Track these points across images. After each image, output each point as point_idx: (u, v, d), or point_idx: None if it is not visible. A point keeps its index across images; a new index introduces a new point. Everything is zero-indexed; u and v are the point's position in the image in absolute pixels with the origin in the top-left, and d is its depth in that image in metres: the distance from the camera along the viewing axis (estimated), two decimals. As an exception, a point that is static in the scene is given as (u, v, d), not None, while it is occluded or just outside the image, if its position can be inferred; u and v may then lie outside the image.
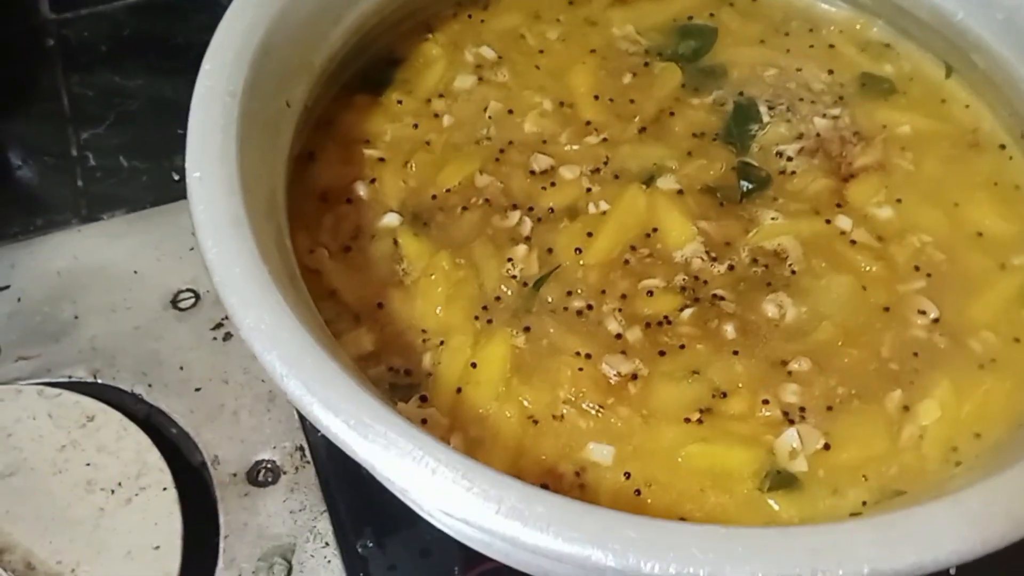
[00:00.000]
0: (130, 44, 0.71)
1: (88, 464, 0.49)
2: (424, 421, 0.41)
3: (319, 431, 0.34)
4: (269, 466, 0.50)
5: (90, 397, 0.51)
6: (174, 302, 0.56)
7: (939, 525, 0.31)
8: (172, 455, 0.49)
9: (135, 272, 0.57)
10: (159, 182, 0.63)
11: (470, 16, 0.56)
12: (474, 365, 0.43)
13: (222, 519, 0.48)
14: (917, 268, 0.47)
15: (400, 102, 0.52)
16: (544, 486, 0.40)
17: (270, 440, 0.51)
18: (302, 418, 0.51)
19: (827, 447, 0.41)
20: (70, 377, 0.53)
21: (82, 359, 0.53)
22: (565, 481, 0.40)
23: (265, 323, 0.34)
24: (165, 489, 0.48)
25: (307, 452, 0.51)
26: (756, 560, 0.29)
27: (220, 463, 0.50)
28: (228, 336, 0.55)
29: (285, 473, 0.50)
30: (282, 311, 0.35)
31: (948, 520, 0.31)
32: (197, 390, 0.52)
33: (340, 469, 0.50)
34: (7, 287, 0.56)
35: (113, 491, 0.48)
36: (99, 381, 0.53)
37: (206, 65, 0.42)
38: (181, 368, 0.53)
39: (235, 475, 0.50)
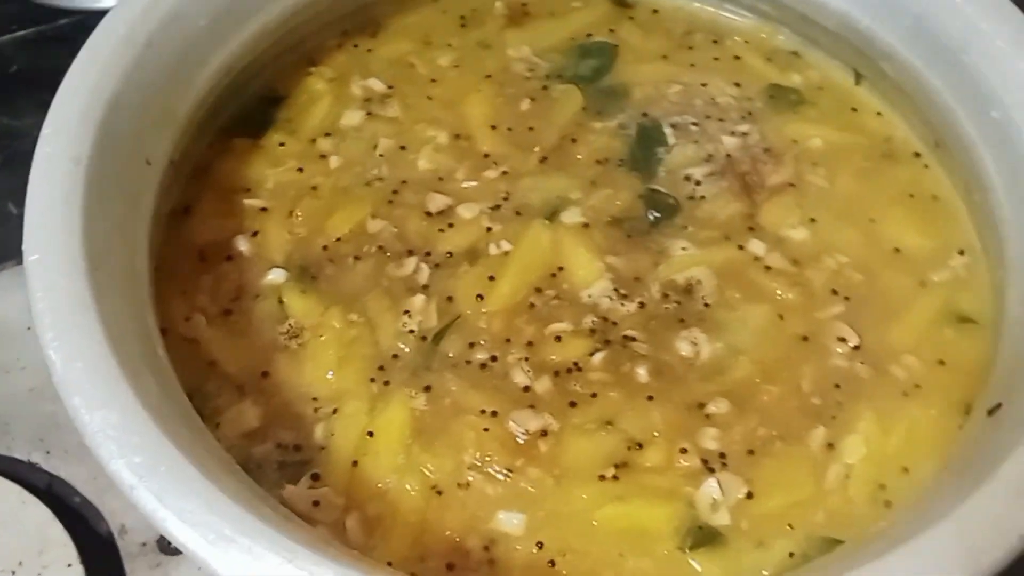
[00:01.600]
0: (19, 81, 0.67)
1: None
2: (316, 503, 0.39)
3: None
4: None
5: None
6: None
7: None
8: (76, 527, 0.47)
9: (28, 328, 0.53)
10: None
11: (356, 46, 0.54)
12: (371, 434, 0.41)
13: (133, 593, 0.45)
14: (835, 292, 0.45)
15: (283, 144, 0.50)
16: (450, 566, 0.38)
17: None
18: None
19: (750, 495, 0.39)
20: None
21: None
22: (472, 558, 0.38)
23: (112, 425, 0.31)
24: (70, 566, 0.46)
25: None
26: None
27: (128, 532, 0.47)
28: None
29: None
30: (132, 409, 0.32)
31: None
32: None
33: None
34: None
35: (14, 572, 0.46)
36: None
37: (46, 129, 0.39)
38: None
39: (144, 544, 0.47)
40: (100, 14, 0.68)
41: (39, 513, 0.47)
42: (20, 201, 0.60)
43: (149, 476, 0.30)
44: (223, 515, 0.29)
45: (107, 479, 0.46)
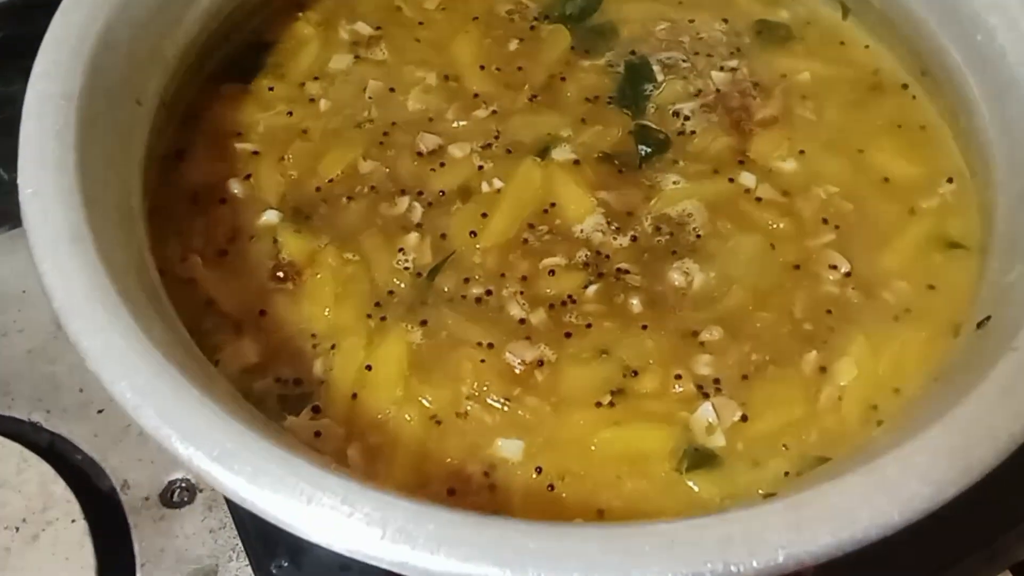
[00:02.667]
0: (5, 47, 0.64)
1: None
2: (318, 434, 0.39)
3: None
4: (183, 485, 0.48)
5: None
6: None
7: (854, 499, 0.29)
8: (79, 484, 0.48)
9: (24, 292, 0.54)
10: None
11: None
12: (369, 368, 0.41)
13: (137, 547, 0.46)
14: (825, 221, 0.46)
15: (272, 89, 0.50)
16: (451, 491, 0.38)
17: None
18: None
19: (744, 418, 0.40)
20: None
21: None
22: (473, 482, 0.38)
23: (114, 349, 0.31)
24: (74, 521, 0.46)
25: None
26: (664, 558, 0.27)
27: (130, 487, 0.48)
28: (126, 352, 0.52)
29: (201, 491, 0.48)
30: (132, 334, 0.32)
31: (863, 493, 0.29)
32: (100, 412, 0.50)
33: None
34: None
35: (18, 528, 0.46)
36: None
37: (37, 67, 0.38)
38: (81, 390, 0.51)
39: (147, 499, 0.48)
40: None
41: (41, 471, 0.47)
42: (12, 166, 0.60)
43: (152, 395, 0.31)
44: (226, 431, 0.30)
45: (108, 436, 0.49)
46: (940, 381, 0.38)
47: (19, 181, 0.35)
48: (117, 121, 0.40)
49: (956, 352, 0.39)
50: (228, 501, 0.47)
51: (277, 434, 0.33)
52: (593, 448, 0.39)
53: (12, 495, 0.46)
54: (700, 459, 0.39)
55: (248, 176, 0.46)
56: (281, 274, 0.43)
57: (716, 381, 0.41)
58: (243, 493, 0.28)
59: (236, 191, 0.46)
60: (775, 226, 0.45)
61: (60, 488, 0.47)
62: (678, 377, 0.41)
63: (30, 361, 0.52)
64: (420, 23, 0.52)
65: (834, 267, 0.44)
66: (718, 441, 0.39)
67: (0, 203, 0.56)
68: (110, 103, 0.40)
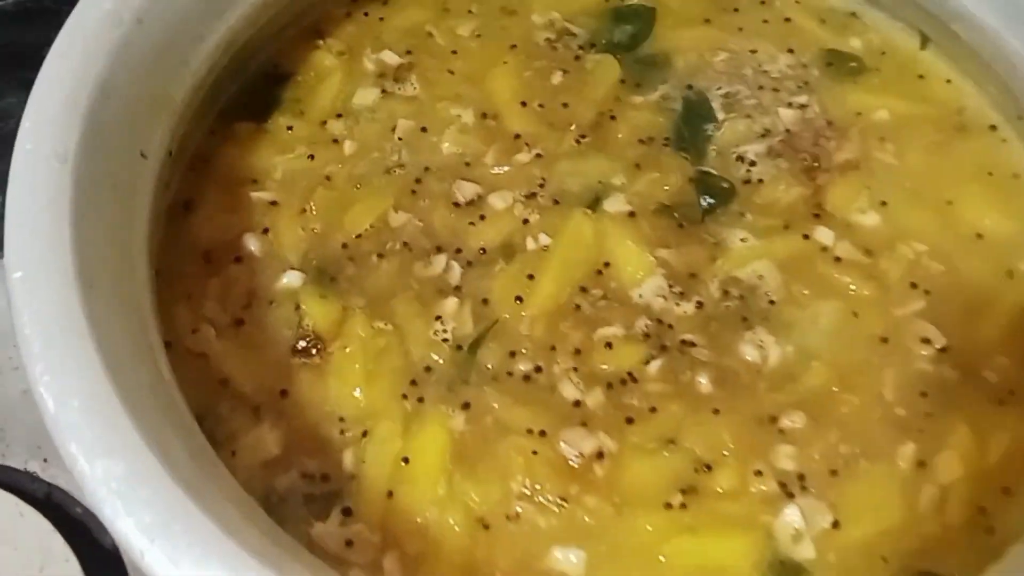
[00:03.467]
0: (0, 56, 0.63)
1: None
2: (350, 543, 0.35)
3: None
4: None
5: None
6: None
7: None
8: (79, 539, 0.46)
9: None
10: None
11: (367, 14, 0.50)
12: (406, 460, 0.38)
13: (140, 608, 0.45)
14: (914, 285, 0.43)
15: (290, 128, 0.46)
16: None
17: None
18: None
19: (836, 524, 0.36)
20: None
21: None
22: (530, 602, 0.34)
23: (116, 477, 0.27)
24: None
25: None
26: None
27: None
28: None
29: None
30: (138, 456, 0.28)
31: None
32: None
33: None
34: None
35: None
36: None
37: (25, 122, 0.35)
38: None
39: None
40: None
41: (38, 525, 0.46)
42: (3, 187, 0.59)
43: (162, 537, 0.27)
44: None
45: None
46: None
47: (5, 262, 0.31)
48: (118, 180, 0.36)
49: None
50: None
51: (304, 561, 0.29)
52: (663, 559, 0.36)
53: (7, 551, 0.45)
54: (787, 573, 0.35)
55: (266, 230, 0.43)
56: (304, 347, 0.40)
57: (801, 478, 0.37)
58: None
59: (253, 248, 0.42)
60: (858, 291, 0.42)
61: (58, 544, 0.45)
62: (758, 473, 0.37)
63: (27, 403, 0.50)
64: (453, 52, 0.49)
65: (927, 340, 0.41)
66: (807, 552, 0.36)
67: None
68: (110, 160, 0.36)
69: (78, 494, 0.47)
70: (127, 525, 0.27)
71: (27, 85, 0.64)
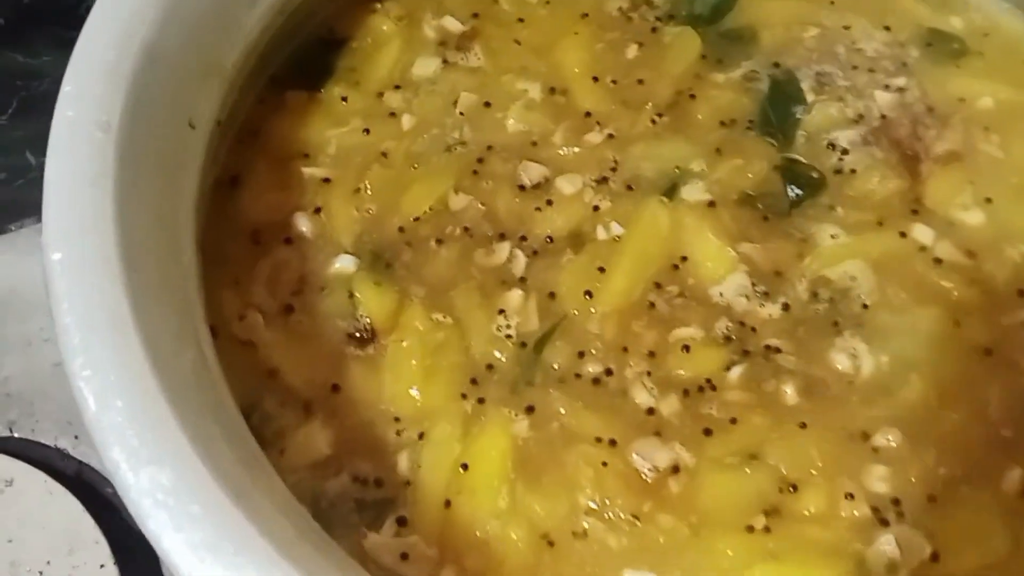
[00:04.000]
0: (33, 14, 0.64)
1: (10, 541, 0.45)
2: (405, 556, 0.34)
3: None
4: None
5: (7, 455, 0.48)
6: None
7: None
8: (108, 521, 0.46)
9: None
10: None
11: None
12: (465, 467, 0.36)
13: (173, 595, 0.45)
14: (1022, 292, 0.40)
15: (345, 99, 0.45)
16: None
17: None
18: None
19: (935, 557, 0.35)
20: None
21: None
22: (596, 627, 0.33)
23: (163, 488, 0.26)
24: (103, 566, 0.45)
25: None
26: None
27: None
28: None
29: None
30: (187, 463, 0.26)
31: None
32: None
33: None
34: None
35: (41, 572, 0.45)
36: (16, 435, 0.49)
37: (66, 86, 0.33)
38: None
39: None
40: None
41: (68, 505, 0.46)
42: (39, 149, 0.57)
43: (213, 557, 0.25)
44: None
45: None
46: None
47: (44, 241, 0.30)
48: (164, 153, 0.35)
49: None
50: None
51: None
52: None
53: (35, 533, 0.45)
54: None
55: (318, 210, 0.41)
56: (358, 338, 0.38)
57: (896, 503, 0.36)
58: None
59: (304, 229, 0.41)
60: (960, 296, 0.41)
61: (88, 526, 0.45)
62: (849, 496, 0.36)
63: (58, 377, 0.47)
64: (520, 20, 0.47)
65: None
66: None
67: (25, 193, 0.57)
68: (156, 130, 0.34)
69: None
70: (175, 542, 0.25)
71: (62, 43, 0.63)
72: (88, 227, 0.30)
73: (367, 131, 0.44)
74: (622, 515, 0.35)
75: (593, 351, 0.38)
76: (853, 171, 0.43)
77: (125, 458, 0.26)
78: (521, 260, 0.41)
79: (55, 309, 0.29)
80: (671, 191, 0.42)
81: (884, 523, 0.35)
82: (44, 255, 0.29)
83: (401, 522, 0.35)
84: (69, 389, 0.46)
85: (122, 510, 0.45)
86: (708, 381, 0.38)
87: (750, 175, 0.43)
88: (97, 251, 0.30)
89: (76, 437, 0.49)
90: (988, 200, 0.42)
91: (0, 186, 0.58)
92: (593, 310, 0.39)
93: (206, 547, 0.25)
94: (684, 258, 0.41)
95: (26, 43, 0.63)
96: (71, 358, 0.28)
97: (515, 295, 0.39)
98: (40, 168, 0.57)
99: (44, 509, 0.46)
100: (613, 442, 0.36)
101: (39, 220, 0.51)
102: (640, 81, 0.46)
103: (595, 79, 0.46)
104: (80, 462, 0.48)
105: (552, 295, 0.39)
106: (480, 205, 0.42)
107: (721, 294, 0.40)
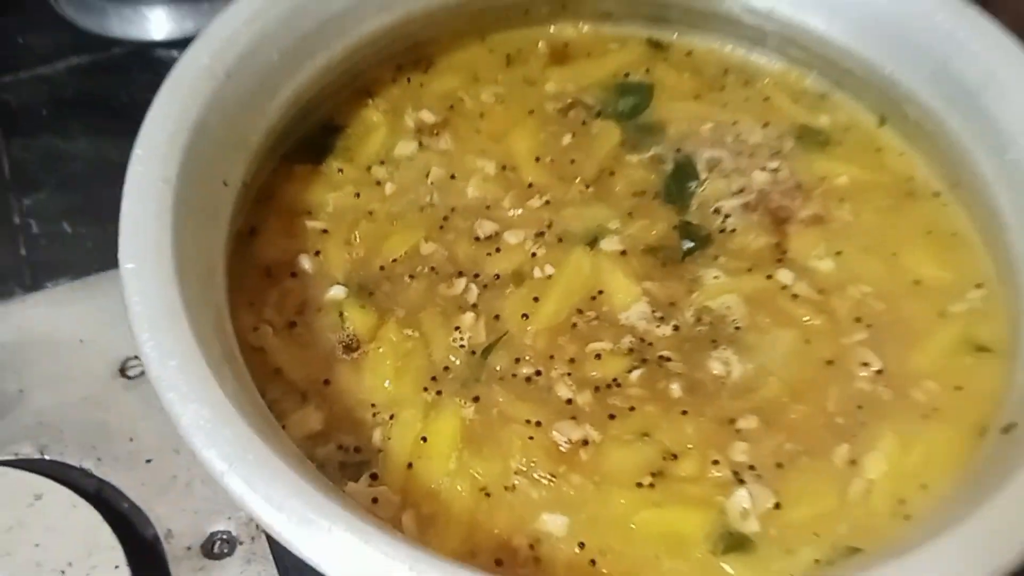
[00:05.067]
0: (72, 106, 0.71)
1: (36, 545, 0.48)
2: (375, 500, 0.41)
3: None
4: (224, 537, 0.49)
5: (37, 474, 0.50)
6: (122, 370, 0.55)
7: None
8: (124, 530, 0.49)
9: (81, 341, 0.56)
10: (104, 247, 0.61)
11: (409, 80, 0.56)
12: (424, 439, 0.43)
13: (177, 595, 0.47)
14: (858, 319, 0.47)
15: (341, 171, 0.52)
16: (498, 562, 0.40)
17: (224, 510, 0.50)
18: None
19: (778, 506, 0.41)
20: (15, 454, 0.52)
21: (28, 434, 0.53)
22: (520, 555, 0.40)
23: (204, 418, 0.34)
24: (117, 567, 0.47)
25: (262, 522, 0.50)
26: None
27: (174, 536, 0.49)
28: (178, 406, 0.55)
29: (241, 544, 0.50)
30: (221, 404, 0.35)
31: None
32: (148, 461, 0.52)
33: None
34: (-56, 363, 0.54)
35: (63, 572, 0.47)
36: (46, 457, 0.52)
37: (138, 150, 0.41)
38: (131, 439, 0.53)
39: (189, 548, 0.49)
40: (149, 44, 0.73)
41: (89, 517, 0.49)
42: (74, 220, 0.65)
43: (238, 464, 0.33)
44: (305, 500, 0.32)
45: (155, 486, 0.50)
46: (967, 481, 0.40)
47: (120, 256, 0.39)
48: (206, 202, 0.43)
49: (982, 453, 0.41)
50: (274, 556, 0.49)
51: (342, 499, 0.36)
52: (633, 527, 0.40)
53: (59, 539, 0.48)
54: (735, 543, 0.40)
55: (317, 253, 0.48)
56: (345, 346, 0.46)
57: (752, 468, 0.42)
58: (319, 559, 0.31)
59: (306, 266, 0.48)
60: (811, 322, 0.46)
61: (106, 534, 0.48)
62: (715, 463, 0.42)
63: (84, 408, 0.53)
64: (480, 114, 0.54)
65: (866, 364, 0.45)
66: (752, 526, 0.41)
67: (61, 255, 0.62)
68: (201, 185, 0.43)
69: (126, 490, 0.51)
70: (211, 454, 0.33)
71: (95, 130, 0.70)
72: (152, 247, 0.39)
73: (358, 195, 0.50)
74: (542, 475, 0.41)
75: (527, 358, 0.45)
76: (734, 230, 0.50)
77: (177, 399, 0.35)
78: (474, 292, 0.47)
79: (128, 301, 0.37)
80: (593, 243, 0.49)
81: (741, 482, 0.41)
82: (120, 265, 0.38)
83: (373, 477, 0.41)
84: (93, 419, 0.52)
85: (135, 522, 0.50)
86: (614, 380, 0.44)
87: (654, 232, 0.49)
88: (157, 264, 0.38)
89: (99, 459, 0.52)
90: (838, 253, 0.49)
91: (40, 249, 0.62)
92: (528, 328, 0.45)
93: (233, 457, 0.33)
94: (600, 292, 0.47)
95: (64, 130, 0.68)
96: (139, 333, 0.36)
97: (468, 316, 0.46)
98: (75, 236, 0.64)
99: (68, 519, 0.48)
100: (538, 423, 0.42)
101: (72, 278, 0.60)
102: (572, 161, 0.52)
103: (537, 159, 0.52)
104: (101, 480, 0.51)
105: (497, 317, 0.46)
106: (444, 251, 0.48)
107: (627, 318, 0.46)
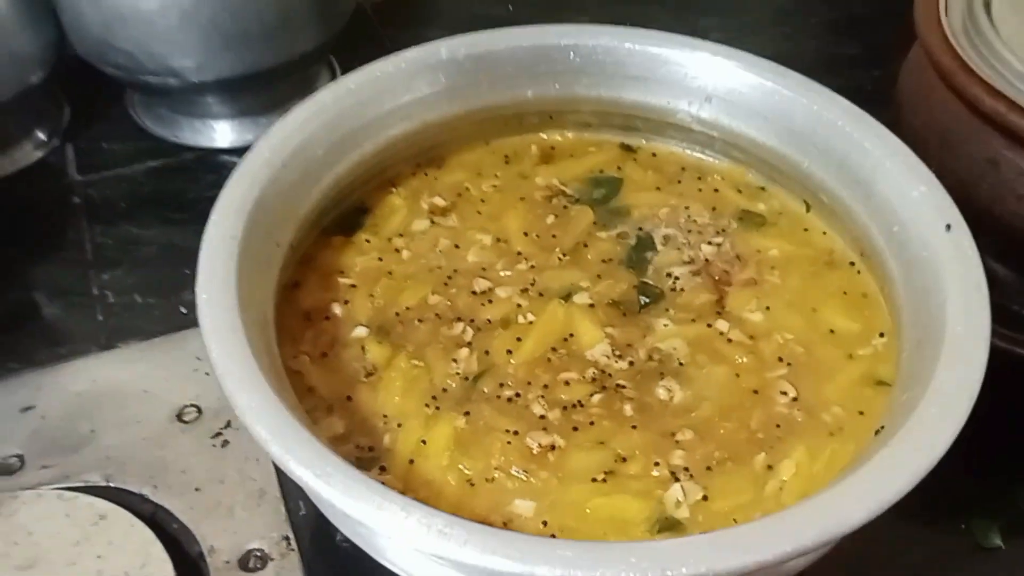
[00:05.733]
0: (146, 200, 0.78)
1: (99, 556, 0.52)
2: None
3: (302, 523, 0.42)
4: (259, 554, 0.55)
5: (102, 499, 0.55)
6: (179, 416, 0.62)
7: (765, 533, 0.40)
8: (173, 547, 0.53)
9: (145, 391, 0.63)
10: (168, 315, 0.70)
11: (426, 174, 0.64)
12: (424, 442, 0.49)
13: (217, 602, 0.51)
14: (781, 359, 0.53)
15: (368, 241, 0.59)
16: None
17: (259, 531, 0.56)
18: (288, 511, 0.57)
19: (705, 498, 0.47)
20: (86, 482, 0.57)
21: (97, 466, 0.58)
22: (495, 529, 0.48)
23: (255, 403, 0.42)
24: None
25: (292, 540, 0.56)
26: (650, 560, 0.38)
27: (215, 552, 0.54)
28: (225, 443, 0.61)
29: (272, 560, 0.55)
30: (269, 396, 0.42)
31: (774, 528, 0.40)
32: (197, 490, 0.58)
33: (320, 555, 0.56)
34: (32, 407, 0.61)
35: None
36: (111, 485, 0.57)
37: (214, 215, 0.49)
38: (183, 472, 0.58)
39: (228, 562, 0.54)
40: (214, 151, 0.84)
41: (144, 535, 0.53)
42: (144, 293, 0.74)
43: (280, 436, 0.42)
44: (328, 461, 0.41)
45: (201, 510, 0.58)
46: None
47: (197, 289, 0.47)
48: (262, 257, 0.51)
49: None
50: (304, 567, 0.56)
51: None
52: (588, 511, 0.46)
53: (119, 553, 0.52)
54: (668, 525, 0.46)
55: (346, 302, 0.55)
56: (365, 372, 0.52)
57: (686, 469, 0.47)
58: (343, 505, 0.40)
59: (337, 312, 0.55)
60: (741, 360, 0.53)
61: (158, 550, 0.52)
62: (657, 464, 0.47)
63: (145, 447, 0.59)
64: (482, 200, 0.62)
65: (785, 393, 0.51)
66: (683, 513, 0.46)
67: (132, 321, 0.69)
68: (259, 244, 0.50)
69: (177, 513, 0.56)
70: (259, 431, 0.40)
71: (166, 220, 0.79)
72: (221, 284, 0.46)
73: (380, 259, 0.57)
74: (517, 471, 0.47)
75: (509, 383, 0.51)
76: (682, 290, 0.56)
77: (234, 388, 0.44)
78: (470, 333, 0.53)
79: (202, 323, 0.47)
80: (567, 297, 0.55)
81: (676, 480, 0.47)
82: (196, 296, 0.48)
83: (382, 469, 0.47)
84: (153, 455, 0.60)
85: (183, 542, 0.55)
86: (579, 401, 0.50)
87: (617, 290, 0.56)
88: (225, 296, 0.46)
89: (155, 487, 0.57)
90: (767, 308, 0.55)
91: (115, 316, 0.69)
92: (511, 361, 0.52)
93: (276, 435, 0.41)
94: (571, 335, 0.53)
95: (140, 220, 0.76)
96: (209, 343, 0.45)
97: (464, 351, 0.52)
98: (144, 305, 0.73)
99: (126, 537, 0.53)
100: (516, 432, 0.48)
101: (140, 340, 0.69)
102: (553, 235, 0.59)
103: (525, 234, 0.59)
104: (156, 504, 0.56)
105: (487, 352, 0.52)
106: (447, 302, 0.55)
107: (592, 354, 0.53)
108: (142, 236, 0.75)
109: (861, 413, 0.51)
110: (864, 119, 0.56)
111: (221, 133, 0.83)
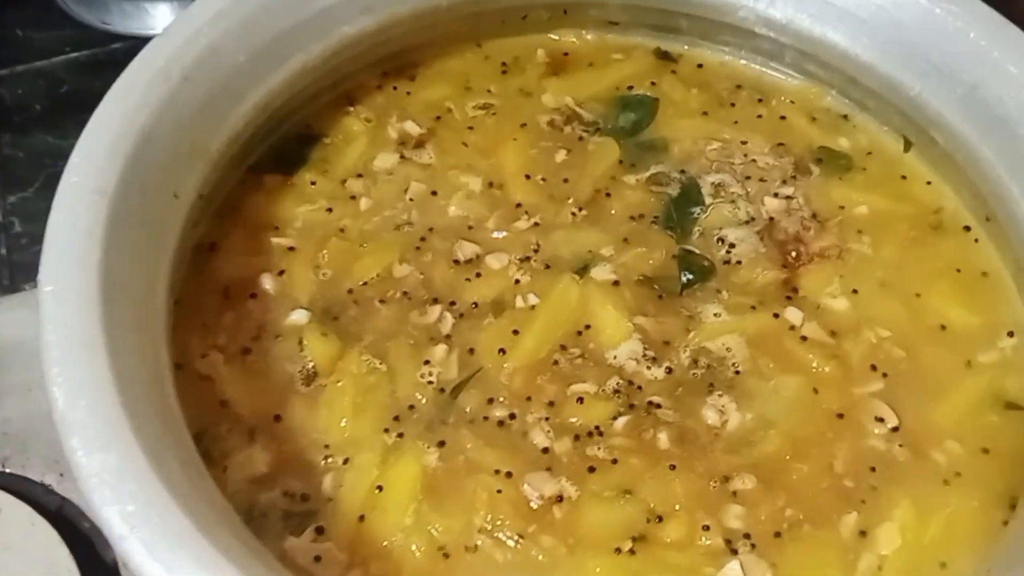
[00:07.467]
0: (67, 101, 0.70)
1: None
2: (318, 559, 0.38)
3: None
4: None
5: None
6: None
7: None
8: (83, 552, 0.48)
9: None
10: None
11: (395, 88, 0.55)
12: (380, 488, 0.41)
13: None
14: (874, 367, 0.45)
15: (314, 183, 0.50)
16: None
17: None
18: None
19: None
20: None
21: None
22: (477, 630, 0.37)
23: (109, 470, 0.31)
24: None
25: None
26: None
27: None
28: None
29: None
30: (131, 455, 0.32)
31: None
32: None
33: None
34: (-95, 362, 0.53)
35: None
36: (7, 470, 0.51)
37: (73, 158, 0.39)
38: None
39: None
40: (150, 40, 0.73)
41: (47, 536, 0.48)
42: None
43: (141, 526, 0.30)
44: (212, 571, 0.29)
45: None
46: (992, 561, 0.37)
47: (40, 277, 0.36)
48: (150, 215, 0.41)
49: (1010, 533, 0.38)
50: None
51: (269, 566, 0.33)
52: None
53: (16, 558, 0.47)
54: None
55: (281, 272, 0.47)
56: (302, 377, 0.44)
57: (746, 536, 0.40)
58: None
59: (268, 287, 0.46)
60: (820, 369, 0.45)
61: (63, 555, 0.47)
62: (705, 528, 0.40)
63: (51, 420, 0.54)
64: (469, 127, 0.53)
65: (880, 420, 0.43)
66: None
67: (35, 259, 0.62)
68: (145, 197, 0.41)
69: (88, 509, 0.48)
70: (111, 512, 0.30)
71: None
72: (76, 268, 0.36)
73: (330, 210, 0.49)
74: (509, 535, 0.39)
75: (501, 399, 0.43)
76: (739, 262, 0.48)
77: (81, 445, 0.32)
78: (449, 321, 0.45)
79: (41, 329, 0.35)
80: (582, 271, 0.47)
81: (734, 552, 0.39)
82: (39, 288, 0.36)
83: (319, 531, 0.39)
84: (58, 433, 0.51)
85: (96, 544, 0.48)
86: (597, 428, 0.42)
87: (651, 261, 0.48)
88: (81, 287, 0.36)
89: (61, 475, 0.50)
90: (854, 291, 0.47)
91: (21, 250, 0.61)
92: (505, 365, 0.44)
93: (136, 518, 0.30)
94: (587, 326, 0.45)
95: (57, 126, 0.67)
96: (49, 368, 0.34)
97: (440, 349, 0.44)
98: None
99: (26, 538, 0.47)
100: (509, 474, 0.41)
101: None
102: (565, 180, 0.51)
103: (527, 176, 0.51)
104: (63, 498, 0.50)
105: (472, 351, 0.44)
106: (419, 274, 0.47)
107: (615, 357, 0.44)
108: (60, 148, 0.66)
109: (986, 451, 0.43)
110: (1009, 32, 0.47)
111: (159, 18, 0.74)
